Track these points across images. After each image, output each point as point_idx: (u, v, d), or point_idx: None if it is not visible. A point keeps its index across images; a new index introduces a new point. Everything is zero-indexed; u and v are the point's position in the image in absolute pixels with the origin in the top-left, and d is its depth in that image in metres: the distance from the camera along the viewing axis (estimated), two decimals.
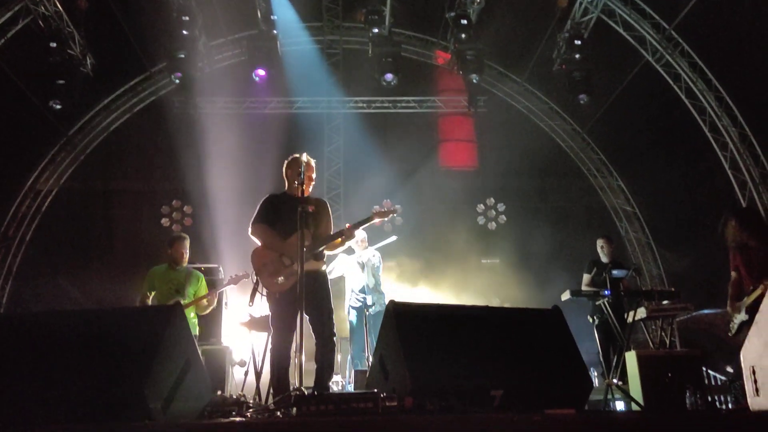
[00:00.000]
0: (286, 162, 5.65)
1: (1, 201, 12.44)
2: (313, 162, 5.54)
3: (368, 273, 8.22)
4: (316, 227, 5.27)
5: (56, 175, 13.11)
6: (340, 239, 5.33)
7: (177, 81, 11.72)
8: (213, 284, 7.42)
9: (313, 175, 5.53)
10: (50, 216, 13.04)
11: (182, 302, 6.47)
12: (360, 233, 8.30)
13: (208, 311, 7.05)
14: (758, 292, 5.19)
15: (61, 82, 10.64)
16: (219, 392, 5.79)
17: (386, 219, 5.61)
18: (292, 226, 4.96)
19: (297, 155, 5.52)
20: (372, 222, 5.50)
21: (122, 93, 13.37)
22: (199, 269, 7.49)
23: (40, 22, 10.33)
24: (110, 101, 13.30)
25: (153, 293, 6.78)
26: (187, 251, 7.02)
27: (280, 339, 5.09)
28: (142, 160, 13.13)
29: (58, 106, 10.79)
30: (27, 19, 10.10)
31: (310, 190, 5.46)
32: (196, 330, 6.89)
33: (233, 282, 7.00)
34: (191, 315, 6.80)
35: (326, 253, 5.44)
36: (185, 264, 7.04)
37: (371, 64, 12.10)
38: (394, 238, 8.75)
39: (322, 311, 5.10)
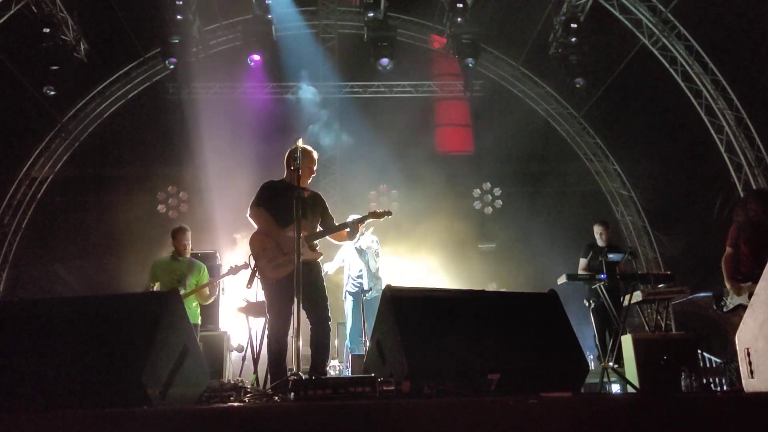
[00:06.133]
0: (289, 150, 5.58)
1: None
2: (315, 154, 5.54)
3: (368, 259, 8.22)
4: (313, 218, 5.36)
5: (51, 162, 13.05)
6: (346, 231, 5.43)
7: (171, 66, 11.67)
8: (210, 271, 7.45)
9: (314, 167, 5.54)
10: (45, 203, 12.99)
11: (182, 291, 6.54)
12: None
13: (210, 301, 7.17)
14: None
15: (55, 67, 10.58)
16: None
17: (380, 219, 5.69)
18: (289, 214, 4.97)
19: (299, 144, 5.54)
20: (367, 220, 5.58)
21: (116, 79, 13.28)
22: (195, 255, 7.53)
23: (33, 7, 10.23)
24: (104, 87, 13.21)
25: (156, 284, 6.88)
26: (189, 242, 7.19)
27: (276, 325, 5.12)
28: (138, 147, 13.02)
29: (52, 93, 10.75)
30: (20, 4, 10.00)
31: (309, 182, 5.52)
32: (198, 319, 6.99)
33: (232, 272, 7.04)
34: (193, 304, 6.90)
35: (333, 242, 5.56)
36: (188, 255, 7.19)
37: (367, 48, 12.03)
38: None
39: (316, 296, 5.14)
